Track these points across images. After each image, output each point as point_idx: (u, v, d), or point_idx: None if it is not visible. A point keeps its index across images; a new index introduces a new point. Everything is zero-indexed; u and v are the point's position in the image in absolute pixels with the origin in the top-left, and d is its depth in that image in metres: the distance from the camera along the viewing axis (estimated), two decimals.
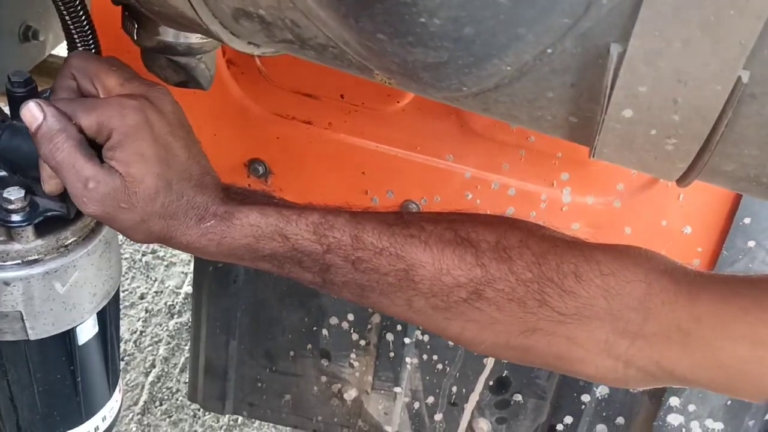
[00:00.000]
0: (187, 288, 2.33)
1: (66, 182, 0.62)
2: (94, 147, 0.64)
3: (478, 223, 0.65)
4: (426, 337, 1.08)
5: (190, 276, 2.39)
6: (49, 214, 0.69)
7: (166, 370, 2.12)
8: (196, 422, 1.99)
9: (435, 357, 1.10)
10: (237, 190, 0.68)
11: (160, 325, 2.23)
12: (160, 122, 0.64)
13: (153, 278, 2.36)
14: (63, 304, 0.74)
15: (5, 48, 1.06)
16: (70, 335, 0.78)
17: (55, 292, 0.72)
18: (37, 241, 0.70)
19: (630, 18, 0.34)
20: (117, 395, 0.90)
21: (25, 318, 0.72)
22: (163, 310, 2.28)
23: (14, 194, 0.67)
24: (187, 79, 0.72)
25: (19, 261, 0.70)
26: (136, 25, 0.66)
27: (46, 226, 0.70)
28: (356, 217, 0.64)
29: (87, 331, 0.79)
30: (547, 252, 0.62)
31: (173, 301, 2.31)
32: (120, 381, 0.91)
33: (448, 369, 1.09)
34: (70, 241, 0.72)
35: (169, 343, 2.19)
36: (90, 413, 0.86)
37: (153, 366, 2.13)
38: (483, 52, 0.38)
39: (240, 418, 1.98)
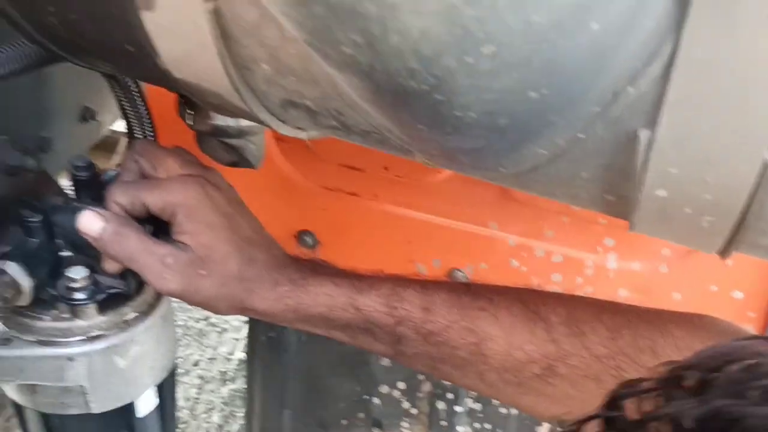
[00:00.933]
0: (239, 354, 2.36)
1: (142, 269, 0.66)
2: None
3: (547, 296, 0.66)
4: (478, 406, 1.08)
5: (242, 342, 2.43)
6: (110, 291, 0.73)
7: None
8: None
9: (487, 426, 1.09)
10: (306, 260, 0.70)
11: (214, 392, 2.26)
12: (219, 197, 0.68)
13: (206, 345, 2.40)
14: (124, 378, 0.76)
15: (65, 128, 1.12)
16: (130, 408, 0.80)
17: (116, 366, 0.75)
18: (100, 318, 0.73)
19: (656, 105, 0.36)
20: None
21: (87, 392, 0.75)
22: (217, 376, 2.30)
23: (78, 273, 0.71)
24: (238, 159, 0.76)
25: (83, 337, 0.73)
26: (190, 112, 0.70)
27: (107, 302, 0.74)
28: (426, 289, 0.65)
29: (146, 404, 0.82)
30: (622, 326, 0.62)
31: (226, 367, 2.34)
32: None
33: None
34: (130, 317, 0.75)
35: (222, 410, 2.21)
36: None
37: None
38: (518, 139, 0.41)
39: None
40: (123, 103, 0.80)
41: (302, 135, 0.59)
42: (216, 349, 2.40)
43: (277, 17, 0.39)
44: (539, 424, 1.06)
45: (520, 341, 0.62)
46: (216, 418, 2.19)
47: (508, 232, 0.93)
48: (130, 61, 0.55)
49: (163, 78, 0.54)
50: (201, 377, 2.30)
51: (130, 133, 0.83)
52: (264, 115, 0.54)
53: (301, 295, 0.67)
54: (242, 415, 2.15)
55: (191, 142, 0.76)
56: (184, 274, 0.66)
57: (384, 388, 1.10)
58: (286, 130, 0.57)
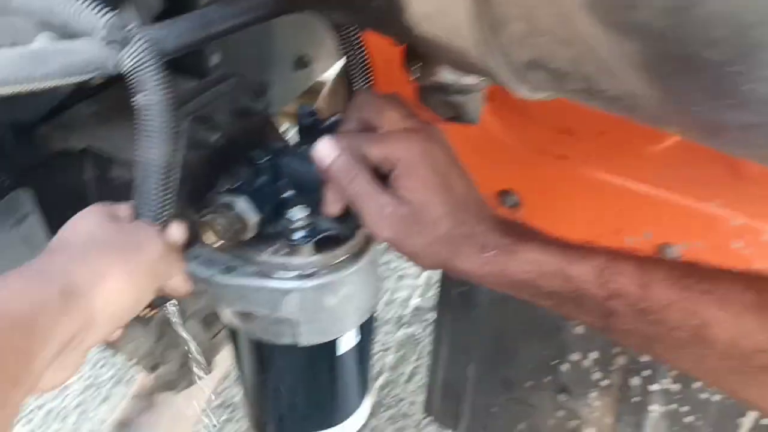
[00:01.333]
0: (415, 301, 2.41)
1: (362, 209, 0.67)
2: None
3: None
4: (676, 386, 1.03)
5: (419, 289, 2.48)
6: (327, 233, 0.76)
7: (392, 377, 2.20)
8: None
9: (684, 408, 1.04)
10: (514, 223, 0.69)
11: (389, 335, 2.33)
12: (438, 154, 0.68)
13: (384, 289, 2.46)
14: (332, 315, 0.80)
15: (281, 75, 1.17)
16: (333, 345, 0.84)
17: (326, 304, 0.79)
18: (316, 257, 0.77)
19: None
20: (366, 404, 0.96)
21: (297, 325, 0.79)
22: (393, 320, 2.37)
23: (299, 214, 0.75)
24: (458, 114, 0.75)
25: (298, 273, 0.77)
26: (416, 65, 0.70)
27: (322, 243, 0.77)
28: (644, 265, 0.62)
29: (348, 342, 0.85)
30: None
31: (402, 312, 2.39)
32: (368, 390, 0.97)
33: (699, 423, 1.03)
34: (342, 259, 0.78)
35: (397, 351, 2.28)
36: (341, 418, 0.92)
37: (381, 373, 2.23)
38: None
39: None
40: (346, 52, 0.81)
41: (535, 96, 0.58)
42: (393, 294, 2.46)
43: None
44: (743, 414, 0.99)
45: (749, 329, 0.58)
46: (390, 359, 2.26)
47: (734, 211, 0.86)
48: (373, 13, 0.55)
49: (403, 31, 0.54)
50: (377, 319, 2.37)
51: (349, 82, 0.85)
52: (505, 75, 0.52)
53: (508, 260, 0.66)
54: (415, 358, 2.21)
55: (407, 94, 0.76)
56: (398, 226, 0.67)
57: (575, 356, 1.08)
58: (522, 92, 0.56)
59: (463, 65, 0.55)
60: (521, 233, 0.68)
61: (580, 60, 0.45)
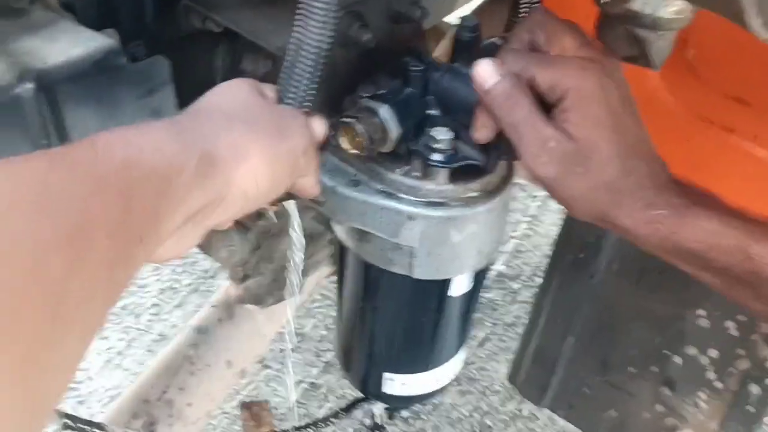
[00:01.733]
0: (499, 267, 2.32)
1: (521, 140, 0.60)
2: None
3: None
4: None
5: (505, 256, 2.38)
6: (467, 161, 0.69)
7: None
8: (482, 400, 1.99)
9: None
10: (690, 185, 0.61)
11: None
12: (615, 92, 0.61)
13: None
14: (453, 252, 0.74)
15: None
16: (446, 284, 0.78)
17: (450, 238, 0.72)
18: (449, 186, 0.70)
19: None
20: (461, 355, 0.90)
21: (415, 255, 0.73)
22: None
23: (442, 134, 0.68)
24: (640, 54, 0.67)
25: (427, 200, 0.70)
26: None
27: (459, 172, 0.70)
28: None
29: (460, 286, 0.79)
30: None
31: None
32: (466, 339, 0.91)
33: None
34: (476, 194, 0.71)
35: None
36: (436, 364, 0.87)
37: None
38: None
39: (522, 409, 1.94)
40: None
41: None
42: None
43: None
44: None
45: None
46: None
47: None
48: None
49: None
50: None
51: (515, 6, 0.77)
52: (755, 18, 0.44)
53: (679, 224, 0.58)
54: (491, 324, 2.14)
55: (580, 22, 0.68)
56: (559, 164, 0.60)
57: (691, 350, 0.99)
58: (764, 31, 0.47)
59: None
60: (698, 196, 0.60)
61: None
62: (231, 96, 0.56)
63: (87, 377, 1.89)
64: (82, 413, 1.73)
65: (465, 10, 1.26)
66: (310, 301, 2.00)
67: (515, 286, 2.25)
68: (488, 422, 1.94)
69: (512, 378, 1.22)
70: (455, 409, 1.96)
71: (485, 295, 2.26)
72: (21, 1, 0.66)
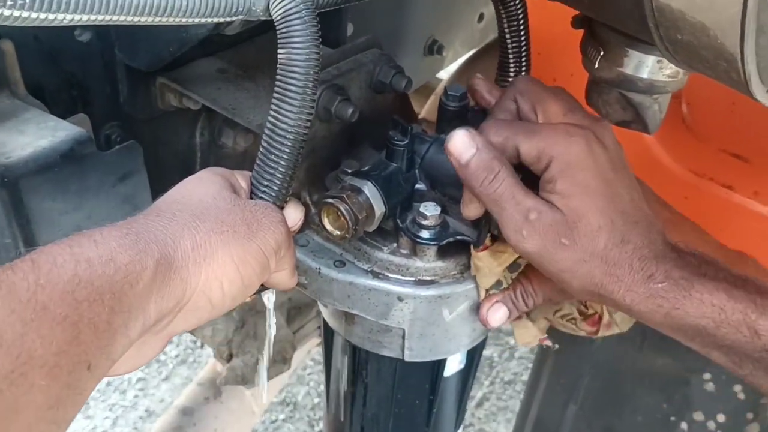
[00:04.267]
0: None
1: (501, 214, 0.57)
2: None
3: None
4: None
5: None
6: (457, 237, 0.66)
7: None
8: None
9: None
10: (693, 252, 0.58)
11: None
12: (604, 157, 0.58)
13: None
14: (445, 332, 0.70)
15: (411, 59, 1.08)
16: (439, 365, 0.75)
17: (441, 318, 0.69)
18: (438, 263, 0.67)
19: None
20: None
21: (406, 337, 0.70)
22: None
23: (430, 210, 0.65)
24: (633, 119, 0.64)
25: (417, 279, 0.67)
26: (599, 53, 0.60)
27: (448, 248, 0.67)
28: None
29: (454, 365, 0.76)
30: None
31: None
32: (462, 420, 0.87)
33: None
34: (467, 271, 0.68)
35: None
36: None
37: None
38: None
39: None
40: (505, 31, 0.71)
41: None
42: None
43: None
44: None
45: None
46: None
47: None
48: None
49: (634, 6, 0.44)
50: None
51: (503, 66, 0.75)
52: (752, 70, 0.41)
53: (681, 298, 0.55)
54: (488, 383, 2.09)
55: (569, 87, 0.66)
56: (544, 237, 0.57)
57: (698, 415, 0.95)
58: (761, 94, 0.45)
59: (688, 47, 0.44)
60: (701, 266, 0.56)
61: None
62: (200, 190, 0.53)
63: None
64: None
65: (452, 67, 1.26)
66: (302, 368, 1.94)
67: (512, 341, 2.20)
68: None
69: None
70: None
71: (483, 352, 2.22)
72: None
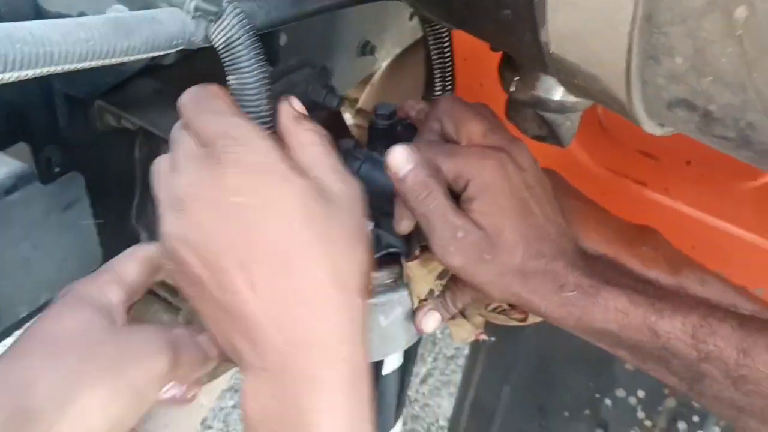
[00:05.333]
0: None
1: (433, 231, 0.62)
2: None
3: None
4: None
5: None
6: (389, 250, 0.70)
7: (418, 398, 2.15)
8: None
9: None
10: (601, 260, 0.63)
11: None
12: (518, 178, 0.63)
13: None
14: (382, 335, 0.75)
15: (345, 61, 1.11)
16: (378, 365, 0.79)
17: (378, 323, 0.73)
18: (372, 273, 0.71)
19: None
20: (399, 426, 0.91)
21: None
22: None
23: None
24: (548, 134, 0.69)
25: None
26: (515, 77, 0.64)
27: (382, 260, 0.71)
28: (746, 326, 0.56)
29: (392, 364, 0.80)
30: None
31: None
32: (402, 412, 0.92)
33: None
34: (399, 279, 0.73)
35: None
36: None
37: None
38: None
39: None
40: (432, 53, 0.75)
41: (658, 132, 0.52)
42: None
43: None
44: None
45: None
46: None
47: None
48: (498, 26, 0.49)
49: (529, 48, 0.48)
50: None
51: (429, 84, 0.79)
52: (639, 111, 0.47)
53: (589, 305, 0.61)
54: (431, 360, 2.16)
55: (491, 104, 0.70)
56: (468, 253, 0.61)
57: (620, 392, 1.03)
58: (648, 126, 0.50)
59: (589, 91, 0.49)
60: (607, 274, 0.62)
61: (745, 108, 0.39)
62: (67, 322, 0.49)
63: None
64: None
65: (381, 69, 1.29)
66: None
67: None
68: None
69: (452, 428, 1.24)
70: None
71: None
72: None
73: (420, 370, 2.12)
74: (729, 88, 0.39)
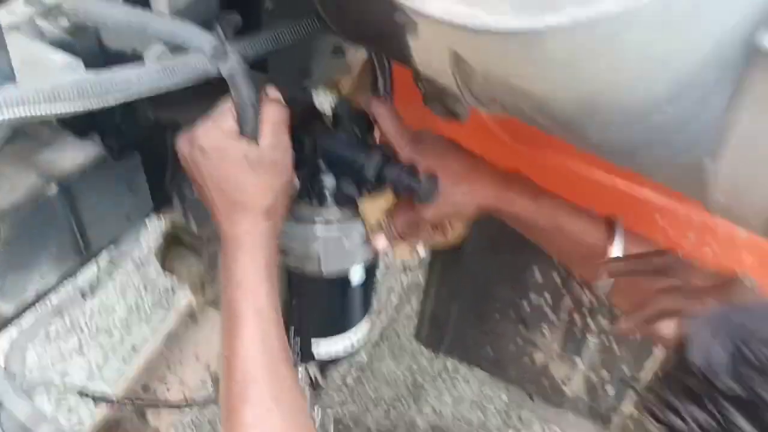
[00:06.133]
0: (422, 252, 2.69)
1: None
2: None
3: None
4: (606, 326, 1.32)
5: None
6: (346, 194, 1.04)
7: (395, 316, 2.51)
8: (414, 362, 2.36)
9: (614, 345, 1.33)
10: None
11: (396, 279, 2.63)
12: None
13: None
14: (346, 253, 1.08)
15: (321, 60, 1.43)
16: (346, 277, 1.13)
17: (342, 244, 1.07)
18: (337, 211, 1.05)
19: None
20: (367, 320, 1.25)
21: (321, 259, 1.08)
22: (399, 267, 2.66)
23: (328, 181, 1.02)
24: (452, 114, 1.03)
25: (325, 221, 1.05)
26: (422, 80, 0.97)
27: (342, 201, 1.05)
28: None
29: (357, 276, 1.14)
30: None
31: (408, 262, 2.69)
32: (369, 313, 1.26)
33: (623, 353, 1.32)
34: (357, 215, 1.06)
35: (400, 294, 2.58)
36: (350, 327, 1.21)
37: (386, 311, 2.53)
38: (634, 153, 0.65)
39: (447, 365, 2.33)
40: (376, 64, 1.08)
41: (491, 113, 0.85)
42: None
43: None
44: (653, 347, 1.28)
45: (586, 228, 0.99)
46: (394, 300, 2.56)
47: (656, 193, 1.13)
48: (391, 52, 0.83)
49: (410, 67, 0.82)
50: (386, 265, 2.66)
51: (375, 85, 1.12)
52: (473, 102, 0.80)
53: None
54: (415, 300, 2.52)
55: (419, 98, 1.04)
56: None
57: (533, 296, 1.37)
58: (482, 110, 0.84)
59: (447, 93, 0.83)
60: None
61: (515, 106, 0.73)
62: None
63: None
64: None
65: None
66: None
67: None
68: (419, 379, 2.32)
69: (417, 336, 1.59)
70: (391, 373, 2.34)
71: (411, 277, 2.64)
72: (34, 125, 0.98)
73: (406, 310, 2.49)
74: (507, 93, 0.72)
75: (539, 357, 1.43)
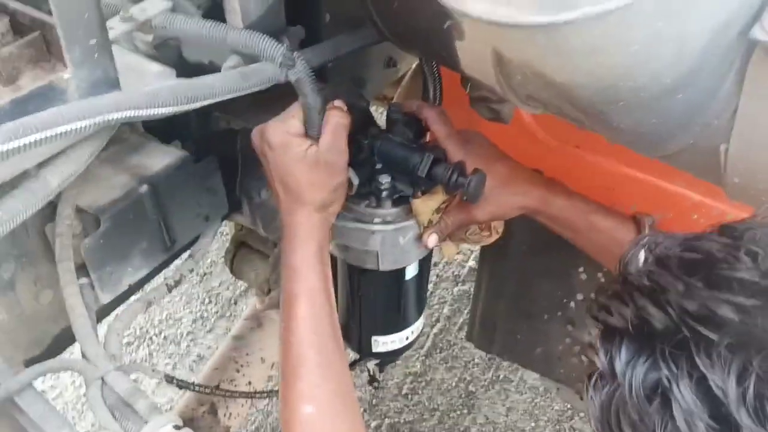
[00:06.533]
0: (471, 263, 2.77)
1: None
2: None
3: None
4: None
5: (474, 253, 2.83)
6: (402, 194, 1.13)
7: (447, 326, 2.58)
8: (467, 372, 2.42)
9: None
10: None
11: (447, 290, 2.70)
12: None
13: None
14: (402, 250, 1.17)
15: (375, 71, 1.54)
16: (402, 271, 1.21)
17: (398, 242, 1.16)
18: (393, 209, 1.14)
19: None
20: (421, 319, 1.34)
21: (379, 255, 1.17)
22: (450, 277, 2.74)
23: (384, 180, 1.11)
24: (496, 117, 1.12)
25: (381, 220, 1.14)
26: (468, 83, 1.07)
27: (398, 200, 1.14)
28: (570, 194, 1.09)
29: (411, 271, 1.22)
30: None
31: (459, 272, 2.76)
32: (424, 310, 1.34)
33: None
34: (410, 213, 1.15)
35: (452, 305, 2.65)
36: (406, 325, 1.30)
37: (438, 321, 2.60)
38: (657, 141, 0.72)
39: (500, 375, 2.38)
40: (426, 71, 1.18)
41: (533, 112, 0.93)
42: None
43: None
44: None
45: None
46: (446, 310, 2.63)
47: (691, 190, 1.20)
48: (440, 56, 0.92)
49: (457, 69, 0.91)
50: (438, 276, 2.74)
51: (426, 90, 1.22)
52: (514, 99, 0.89)
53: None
54: (467, 311, 2.58)
55: (466, 101, 1.13)
56: None
57: (580, 296, 1.43)
58: (525, 108, 0.92)
59: (490, 92, 0.92)
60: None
61: (551, 103, 0.81)
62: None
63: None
64: None
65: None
66: None
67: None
68: (472, 389, 2.38)
69: (468, 337, 1.65)
70: (444, 382, 2.40)
71: (462, 288, 2.71)
72: (125, 132, 1.10)
73: (458, 320, 2.55)
74: (543, 89, 0.81)
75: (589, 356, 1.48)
